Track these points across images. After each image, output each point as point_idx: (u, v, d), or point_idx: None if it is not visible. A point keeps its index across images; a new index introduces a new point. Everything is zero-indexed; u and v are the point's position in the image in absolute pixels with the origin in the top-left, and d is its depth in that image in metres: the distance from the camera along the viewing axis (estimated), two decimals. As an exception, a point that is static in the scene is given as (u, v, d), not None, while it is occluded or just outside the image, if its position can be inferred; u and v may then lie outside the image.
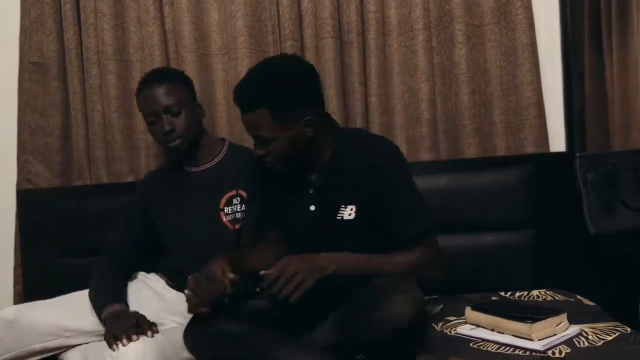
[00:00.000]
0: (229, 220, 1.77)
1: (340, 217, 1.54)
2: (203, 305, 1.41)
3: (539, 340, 1.45)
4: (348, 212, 1.54)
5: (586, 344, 1.46)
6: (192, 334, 1.48)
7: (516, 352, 1.44)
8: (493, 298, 1.89)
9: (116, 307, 1.57)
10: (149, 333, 1.50)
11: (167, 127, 1.72)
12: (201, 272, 1.44)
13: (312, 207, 1.56)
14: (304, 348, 1.40)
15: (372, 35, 2.20)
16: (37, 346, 1.60)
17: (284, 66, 1.51)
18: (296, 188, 1.58)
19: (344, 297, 1.44)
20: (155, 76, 1.80)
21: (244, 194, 1.80)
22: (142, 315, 1.56)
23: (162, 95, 1.74)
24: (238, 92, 1.50)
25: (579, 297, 1.85)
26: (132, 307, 1.65)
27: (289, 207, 1.59)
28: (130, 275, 1.85)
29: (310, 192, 1.56)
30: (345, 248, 1.50)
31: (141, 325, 1.49)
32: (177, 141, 1.75)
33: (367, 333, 1.32)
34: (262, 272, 1.41)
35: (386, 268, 1.45)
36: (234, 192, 1.79)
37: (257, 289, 1.43)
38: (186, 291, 1.42)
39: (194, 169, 1.86)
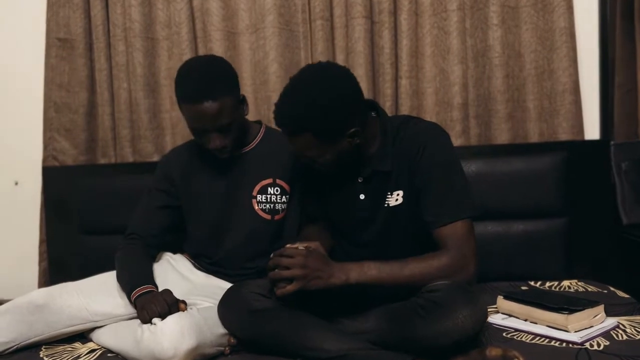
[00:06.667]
0: (261, 209, 1.72)
1: (387, 205, 1.53)
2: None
3: (576, 332, 1.42)
4: (395, 198, 1.53)
5: (624, 336, 1.42)
6: (228, 310, 1.49)
7: (552, 343, 1.41)
8: (523, 287, 1.86)
9: (145, 288, 1.56)
10: (182, 306, 1.49)
11: (217, 144, 1.61)
12: (280, 252, 1.42)
13: (362, 196, 1.56)
14: (338, 331, 1.38)
15: (404, 15, 2.15)
16: (66, 329, 1.60)
17: (322, 83, 1.41)
18: (345, 178, 1.57)
19: (390, 292, 1.41)
20: (205, 89, 1.56)
21: (283, 184, 1.73)
22: (169, 291, 1.54)
23: (213, 114, 1.56)
24: (279, 117, 1.44)
25: (612, 288, 1.81)
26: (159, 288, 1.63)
27: (340, 198, 1.58)
28: (156, 256, 1.82)
29: (360, 181, 1.56)
30: (394, 234, 1.47)
31: (171, 308, 1.47)
32: (225, 154, 1.66)
33: (429, 339, 1.29)
34: (288, 244, 1.43)
35: (413, 280, 1.39)
36: (270, 181, 1.72)
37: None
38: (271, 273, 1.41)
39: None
